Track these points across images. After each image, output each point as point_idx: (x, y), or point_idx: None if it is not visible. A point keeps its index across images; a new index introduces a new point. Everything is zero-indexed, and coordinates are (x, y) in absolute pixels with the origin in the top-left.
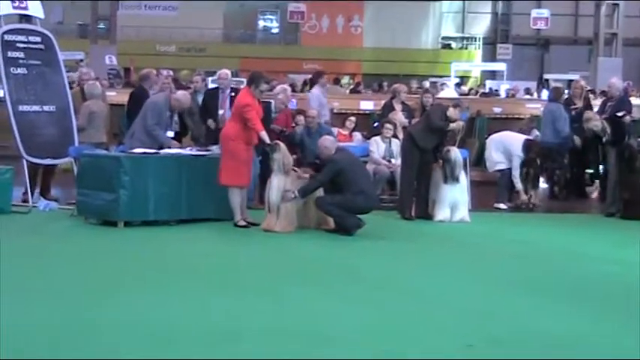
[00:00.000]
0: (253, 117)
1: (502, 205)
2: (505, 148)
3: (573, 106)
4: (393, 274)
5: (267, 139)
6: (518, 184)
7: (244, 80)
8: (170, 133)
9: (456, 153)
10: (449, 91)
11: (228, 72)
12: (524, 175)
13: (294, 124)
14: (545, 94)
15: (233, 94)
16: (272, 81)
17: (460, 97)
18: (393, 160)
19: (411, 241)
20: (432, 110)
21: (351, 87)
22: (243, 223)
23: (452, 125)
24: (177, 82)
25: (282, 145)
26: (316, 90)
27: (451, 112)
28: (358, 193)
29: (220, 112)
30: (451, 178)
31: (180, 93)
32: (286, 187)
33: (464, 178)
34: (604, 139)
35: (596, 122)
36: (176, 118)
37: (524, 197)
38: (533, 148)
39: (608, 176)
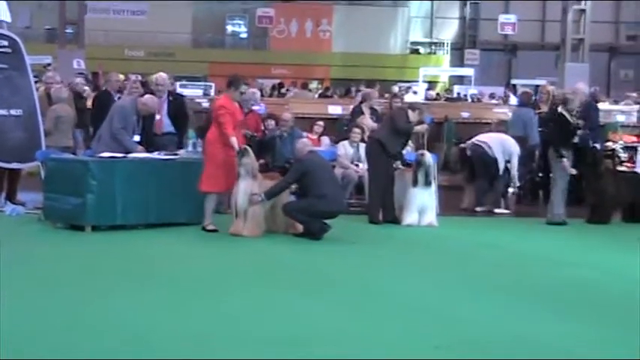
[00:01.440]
0: (225, 121)
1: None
2: (505, 149)
3: (538, 111)
4: (362, 278)
5: (235, 145)
6: (516, 182)
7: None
8: (136, 138)
9: (429, 157)
10: (414, 97)
11: (165, 76)
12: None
13: (263, 129)
14: (513, 99)
15: (171, 98)
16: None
17: (428, 101)
18: (360, 165)
19: (380, 245)
20: (395, 113)
21: (320, 91)
22: (212, 227)
23: (417, 128)
24: (146, 86)
25: (250, 150)
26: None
27: (410, 115)
28: (322, 197)
29: (157, 117)
30: (425, 182)
31: (147, 97)
32: (253, 191)
33: (433, 183)
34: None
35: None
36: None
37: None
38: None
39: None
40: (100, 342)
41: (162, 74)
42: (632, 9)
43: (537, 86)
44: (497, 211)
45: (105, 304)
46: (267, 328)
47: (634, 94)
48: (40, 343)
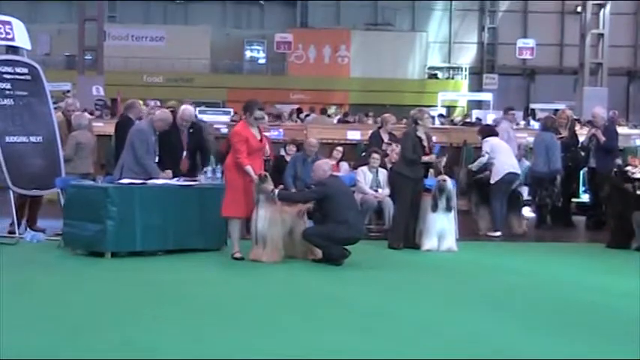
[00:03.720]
0: (240, 149)
1: (497, 233)
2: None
3: (559, 136)
4: (383, 304)
5: (251, 173)
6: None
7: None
8: (156, 158)
9: (450, 183)
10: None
11: (192, 112)
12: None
13: (283, 154)
14: (533, 124)
15: (191, 130)
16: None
17: (445, 127)
18: (380, 190)
19: (401, 270)
20: (404, 140)
21: (338, 117)
22: (239, 255)
23: (424, 158)
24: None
25: (268, 176)
26: (505, 124)
27: (420, 133)
28: (343, 222)
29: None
30: (446, 208)
31: (160, 112)
32: (273, 215)
33: (453, 208)
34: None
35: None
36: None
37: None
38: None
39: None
40: None
41: (190, 109)
42: None
43: (556, 110)
44: (490, 234)
45: (123, 331)
46: (285, 353)
47: None
48: None
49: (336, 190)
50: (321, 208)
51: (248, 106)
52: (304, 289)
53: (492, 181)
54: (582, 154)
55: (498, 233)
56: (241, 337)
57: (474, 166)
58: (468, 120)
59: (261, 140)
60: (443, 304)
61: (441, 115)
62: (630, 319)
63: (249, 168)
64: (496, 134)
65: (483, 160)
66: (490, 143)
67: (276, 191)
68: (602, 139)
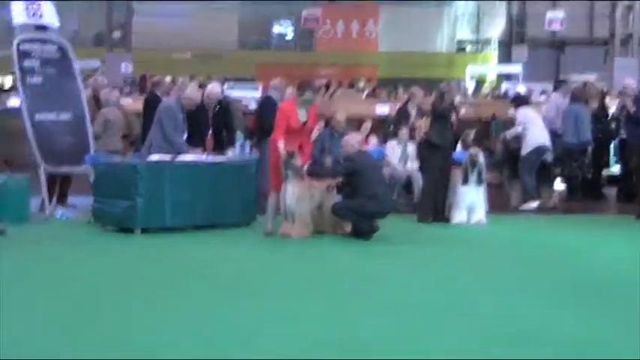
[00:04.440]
0: (278, 124)
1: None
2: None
3: (589, 107)
4: (412, 279)
5: (281, 148)
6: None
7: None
8: (184, 135)
9: (481, 156)
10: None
11: (218, 91)
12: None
13: None
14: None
15: (217, 107)
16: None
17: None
18: (408, 164)
19: (430, 244)
20: (433, 103)
21: (367, 91)
22: (269, 231)
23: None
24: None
25: (296, 152)
26: (556, 98)
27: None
28: (372, 197)
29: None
30: (477, 181)
31: (189, 90)
32: (302, 191)
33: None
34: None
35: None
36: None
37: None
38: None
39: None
40: (151, 341)
41: (217, 89)
42: None
43: (586, 82)
44: (524, 207)
45: (153, 306)
46: (314, 330)
47: None
48: (93, 343)
49: (365, 165)
50: (350, 183)
51: (300, 85)
52: (333, 264)
53: (523, 153)
54: (613, 125)
55: (535, 204)
56: (267, 316)
57: (509, 134)
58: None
59: (305, 123)
60: (473, 279)
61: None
62: None
63: (281, 144)
64: (528, 103)
65: (519, 129)
66: (524, 113)
67: (305, 167)
68: (632, 108)
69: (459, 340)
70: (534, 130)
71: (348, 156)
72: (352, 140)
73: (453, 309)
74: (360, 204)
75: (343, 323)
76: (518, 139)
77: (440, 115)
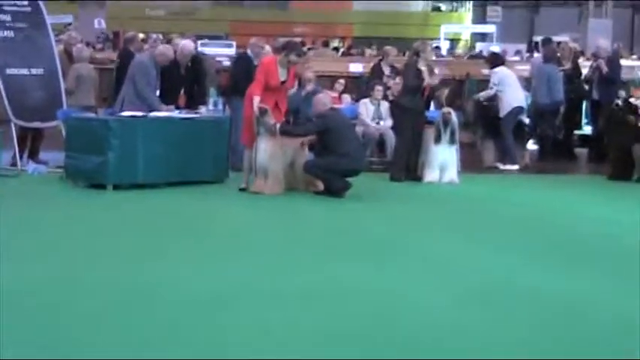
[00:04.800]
0: (257, 78)
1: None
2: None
3: (561, 68)
4: (386, 235)
5: (255, 104)
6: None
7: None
8: (157, 93)
9: (454, 116)
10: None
11: (192, 47)
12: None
13: None
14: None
15: (189, 64)
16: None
17: (448, 59)
18: (381, 122)
19: (403, 202)
20: (404, 70)
21: (342, 50)
22: (244, 186)
23: (427, 80)
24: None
25: (268, 109)
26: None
27: (421, 65)
28: (344, 155)
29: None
30: (450, 141)
31: (163, 46)
32: (274, 148)
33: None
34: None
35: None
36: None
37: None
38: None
39: None
40: (119, 300)
41: (189, 45)
42: None
43: (559, 43)
44: (503, 167)
45: (124, 265)
46: (290, 283)
47: None
48: (64, 300)
49: (337, 123)
50: (322, 141)
51: (287, 46)
52: (306, 220)
53: (501, 115)
54: (585, 86)
55: (516, 167)
56: (246, 270)
57: (482, 96)
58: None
59: (284, 82)
60: (444, 235)
61: (437, 48)
62: (630, 251)
63: (256, 99)
64: (503, 63)
65: (491, 92)
66: (499, 75)
67: (277, 125)
68: (605, 69)
69: (431, 289)
70: (510, 91)
71: (319, 114)
72: (324, 99)
73: (423, 262)
74: (332, 162)
75: (321, 273)
76: (492, 100)
77: (411, 88)
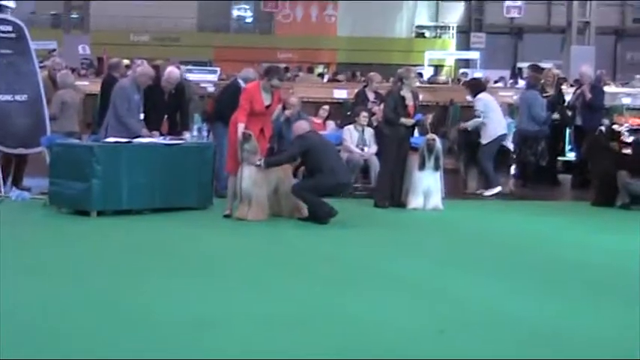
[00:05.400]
0: (242, 105)
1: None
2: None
3: (545, 94)
4: (369, 261)
5: (239, 131)
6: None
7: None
8: (141, 115)
9: (439, 142)
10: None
11: (177, 74)
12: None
13: None
14: (521, 83)
15: (173, 91)
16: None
17: (432, 85)
18: (366, 149)
19: (387, 229)
20: (385, 99)
21: (328, 76)
22: (228, 213)
23: (402, 120)
24: (157, 70)
25: (253, 136)
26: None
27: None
28: (329, 171)
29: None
30: (434, 167)
31: (141, 68)
32: (258, 174)
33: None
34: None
35: None
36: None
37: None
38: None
39: None
40: (102, 324)
41: (176, 72)
42: None
43: (543, 69)
44: (487, 193)
45: (109, 289)
46: (265, 309)
47: (638, 76)
48: (41, 328)
49: (316, 142)
50: (306, 163)
51: (269, 71)
52: (290, 246)
53: (484, 142)
54: (569, 113)
55: (498, 189)
56: (229, 295)
57: (470, 126)
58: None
59: (268, 107)
60: (428, 262)
61: (419, 74)
62: (614, 276)
63: (241, 125)
64: (485, 89)
65: (479, 120)
66: (483, 101)
67: (262, 161)
68: (589, 95)
69: (413, 317)
70: (495, 118)
71: (298, 136)
72: (303, 124)
73: (407, 289)
74: (317, 180)
75: (304, 300)
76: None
77: (390, 120)
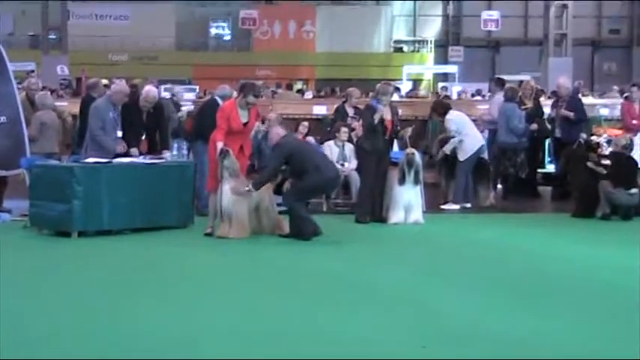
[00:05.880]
0: (219, 125)
1: (455, 206)
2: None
3: (523, 107)
4: (351, 277)
5: (218, 147)
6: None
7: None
8: (119, 133)
9: (418, 156)
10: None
11: (155, 93)
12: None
13: None
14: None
15: (151, 110)
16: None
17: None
18: (346, 164)
19: (368, 244)
20: (363, 112)
21: (311, 93)
22: (210, 231)
23: (375, 116)
24: (136, 89)
25: (231, 152)
26: (500, 97)
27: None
28: (315, 169)
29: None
30: (414, 181)
31: (115, 85)
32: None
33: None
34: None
35: None
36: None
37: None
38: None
39: None
40: (86, 346)
41: (153, 91)
42: (614, 3)
43: (521, 82)
44: (446, 207)
45: (92, 309)
46: (249, 326)
47: (615, 87)
48: (24, 349)
49: (294, 145)
50: (292, 170)
51: (243, 88)
52: (271, 263)
53: (462, 159)
54: (549, 126)
55: (457, 207)
56: (211, 313)
57: (448, 149)
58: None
59: (246, 124)
60: (410, 277)
61: (396, 89)
62: (596, 288)
63: (219, 144)
64: (450, 107)
65: (456, 141)
66: (454, 120)
67: (251, 185)
68: (571, 115)
69: (395, 333)
70: (469, 133)
71: (275, 144)
72: (277, 130)
73: (392, 303)
74: (305, 182)
75: (287, 316)
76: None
77: (369, 128)
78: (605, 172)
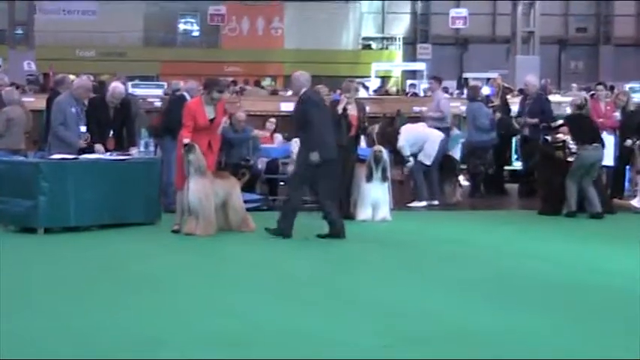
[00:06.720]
0: (185, 123)
1: (422, 203)
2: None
3: (491, 104)
4: (317, 275)
5: (184, 142)
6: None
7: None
8: (83, 128)
9: (385, 153)
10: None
11: (122, 90)
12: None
13: None
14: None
15: (119, 106)
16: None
17: (380, 96)
18: None
19: (336, 241)
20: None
21: (272, 89)
22: (177, 228)
23: (338, 107)
24: (104, 85)
25: (196, 146)
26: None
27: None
28: (319, 124)
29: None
30: (382, 178)
31: (77, 80)
32: (205, 188)
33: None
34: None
35: None
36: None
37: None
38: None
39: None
40: (48, 345)
41: (120, 88)
42: (581, 2)
43: (488, 79)
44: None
45: (56, 307)
46: (215, 327)
47: (574, 85)
48: None
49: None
50: (297, 120)
51: (208, 85)
52: (237, 261)
53: (429, 162)
54: (517, 126)
55: (423, 203)
56: (177, 313)
57: (408, 167)
58: (415, 91)
59: (213, 120)
60: (376, 275)
61: (364, 86)
62: (563, 285)
63: (184, 140)
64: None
65: (410, 161)
66: (402, 137)
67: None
68: (535, 121)
69: (359, 332)
70: (428, 139)
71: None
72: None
73: (355, 302)
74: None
75: (253, 316)
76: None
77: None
78: (568, 159)
